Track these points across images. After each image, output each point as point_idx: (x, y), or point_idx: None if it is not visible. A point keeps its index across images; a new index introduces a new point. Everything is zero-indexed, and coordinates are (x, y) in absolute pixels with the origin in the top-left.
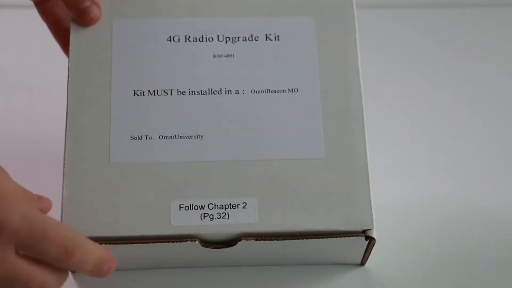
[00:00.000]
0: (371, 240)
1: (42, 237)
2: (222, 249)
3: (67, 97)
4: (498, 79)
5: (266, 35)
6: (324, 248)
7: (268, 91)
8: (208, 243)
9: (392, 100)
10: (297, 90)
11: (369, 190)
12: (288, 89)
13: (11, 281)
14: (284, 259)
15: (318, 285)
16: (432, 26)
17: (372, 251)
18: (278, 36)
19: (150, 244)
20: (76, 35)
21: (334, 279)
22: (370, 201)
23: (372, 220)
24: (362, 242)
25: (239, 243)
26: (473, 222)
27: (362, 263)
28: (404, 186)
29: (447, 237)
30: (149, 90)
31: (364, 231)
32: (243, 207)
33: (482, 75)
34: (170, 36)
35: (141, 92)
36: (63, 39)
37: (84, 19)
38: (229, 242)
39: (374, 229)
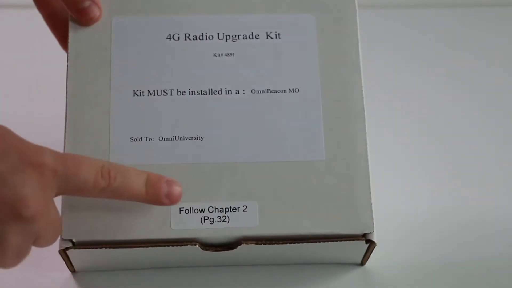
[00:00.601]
0: (371, 243)
1: (78, 166)
2: (222, 252)
3: (66, 98)
4: (498, 79)
5: (266, 33)
6: (324, 250)
7: (269, 91)
8: (208, 246)
9: (393, 101)
10: (298, 90)
11: (370, 193)
12: (289, 89)
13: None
14: (284, 260)
15: (318, 285)
16: (433, 26)
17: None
18: (278, 34)
19: (150, 248)
20: (75, 34)
21: (334, 279)
22: (371, 204)
23: (373, 223)
24: (363, 245)
25: (239, 246)
26: (473, 223)
27: (362, 263)
28: (405, 187)
29: (447, 238)
30: (148, 90)
31: (364, 235)
32: (244, 210)
33: (482, 75)
34: (170, 35)
35: (140, 93)
36: (60, 32)
37: (83, 19)
38: (229, 245)
39: (375, 232)
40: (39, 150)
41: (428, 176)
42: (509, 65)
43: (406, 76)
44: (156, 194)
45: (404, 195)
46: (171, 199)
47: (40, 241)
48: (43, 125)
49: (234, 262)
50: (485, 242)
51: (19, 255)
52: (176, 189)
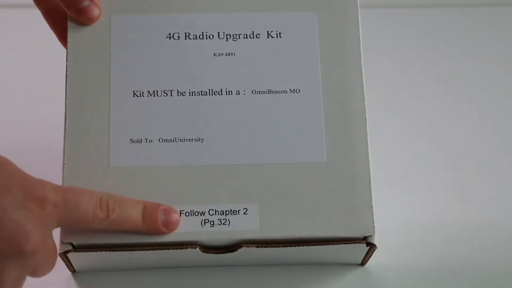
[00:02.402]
0: (372, 246)
1: (78, 199)
2: (223, 254)
3: (66, 99)
4: (498, 79)
5: (267, 32)
6: (325, 253)
7: (269, 91)
8: (208, 249)
9: (394, 102)
10: (299, 90)
11: (371, 195)
12: (290, 89)
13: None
14: (284, 261)
15: (318, 285)
16: (433, 26)
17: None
18: (279, 33)
19: (150, 251)
20: (74, 34)
21: (334, 279)
22: (372, 207)
23: (374, 226)
24: (363, 248)
25: (239, 249)
26: (474, 226)
27: (363, 263)
28: (405, 189)
29: (448, 240)
30: (148, 91)
31: (365, 238)
32: (244, 213)
33: (483, 75)
34: (169, 34)
35: (140, 93)
36: (59, 28)
37: (82, 19)
38: (230, 248)
39: (375, 235)
40: (41, 184)
41: (429, 178)
42: (509, 65)
43: (407, 77)
44: (154, 223)
45: (405, 197)
46: (168, 227)
47: (37, 273)
48: (43, 125)
49: (234, 263)
50: (486, 244)
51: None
52: (174, 217)
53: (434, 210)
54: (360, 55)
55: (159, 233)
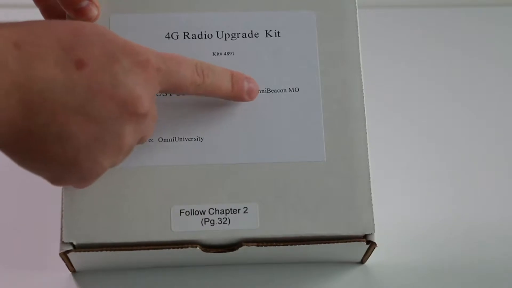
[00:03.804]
0: (372, 244)
1: (178, 64)
2: (223, 253)
3: None
4: (498, 79)
5: (266, 31)
6: (325, 251)
7: (269, 90)
8: (209, 248)
9: (393, 101)
10: (298, 89)
11: (370, 194)
12: (289, 88)
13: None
14: (284, 259)
15: (318, 283)
16: (433, 26)
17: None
18: (278, 32)
19: (151, 250)
20: None
21: (334, 277)
22: (371, 205)
23: (373, 224)
24: (363, 246)
25: (240, 248)
26: (473, 224)
27: (363, 261)
28: (405, 188)
29: (447, 238)
30: None
31: (365, 236)
32: (244, 212)
33: (483, 75)
34: (168, 33)
35: None
36: None
37: (81, 19)
38: (230, 247)
39: (375, 233)
40: (143, 50)
41: (429, 176)
42: (509, 65)
43: (406, 76)
44: (240, 90)
45: (405, 195)
46: (250, 95)
47: (144, 139)
48: None
49: (235, 262)
50: (485, 243)
51: (128, 154)
52: (256, 85)
53: (433, 208)
54: (359, 53)
55: (242, 100)
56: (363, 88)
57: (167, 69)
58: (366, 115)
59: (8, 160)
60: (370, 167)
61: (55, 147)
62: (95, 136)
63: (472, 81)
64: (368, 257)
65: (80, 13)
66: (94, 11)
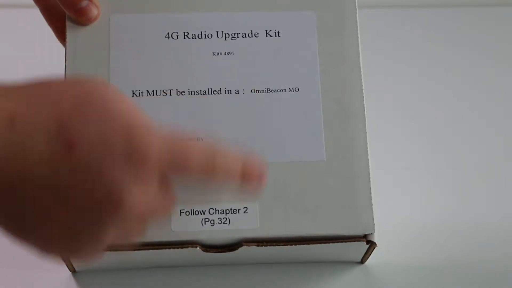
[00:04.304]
0: (372, 244)
1: (185, 151)
2: (223, 253)
3: None
4: (498, 79)
5: (266, 31)
6: (325, 251)
7: (269, 90)
8: (209, 248)
9: (393, 101)
10: (298, 89)
11: (370, 193)
12: (289, 88)
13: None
14: (284, 259)
15: (318, 283)
16: (433, 26)
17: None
18: (278, 32)
19: (151, 250)
20: (72, 33)
21: (334, 277)
22: (371, 205)
23: (373, 224)
24: (363, 246)
25: (240, 248)
26: (474, 224)
27: (363, 261)
28: (405, 187)
29: (447, 237)
30: (147, 91)
31: (365, 235)
32: (244, 212)
33: (483, 75)
34: (168, 33)
35: (139, 93)
36: (56, 24)
37: (81, 19)
38: (230, 247)
39: (375, 233)
40: (146, 140)
41: (429, 176)
42: (509, 65)
43: (406, 76)
44: (251, 175)
45: (405, 195)
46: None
47: (130, 238)
48: None
49: (235, 262)
50: (486, 242)
51: (104, 249)
52: (263, 175)
53: (433, 208)
54: (359, 53)
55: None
56: (363, 88)
57: (171, 160)
58: (366, 115)
59: None
60: (370, 167)
61: (27, 229)
62: (68, 225)
63: (472, 81)
64: (368, 257)
65: (80, 13)
66: (94, 11)
